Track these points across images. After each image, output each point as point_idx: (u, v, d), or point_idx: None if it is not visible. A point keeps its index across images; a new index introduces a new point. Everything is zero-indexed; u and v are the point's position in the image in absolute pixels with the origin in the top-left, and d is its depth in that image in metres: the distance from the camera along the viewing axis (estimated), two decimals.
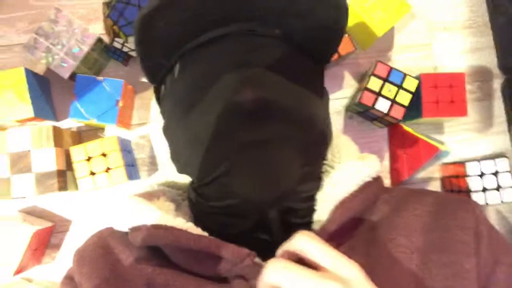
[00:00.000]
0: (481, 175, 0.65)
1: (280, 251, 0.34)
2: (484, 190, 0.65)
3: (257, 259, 0.36)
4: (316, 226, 0.39)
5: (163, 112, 0.50)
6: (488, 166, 0.65)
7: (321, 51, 0.47)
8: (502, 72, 0.74)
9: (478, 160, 0.66)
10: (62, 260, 0.63)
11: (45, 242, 0.62)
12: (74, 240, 0.63)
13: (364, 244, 0.40)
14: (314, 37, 0.44)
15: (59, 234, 0.64)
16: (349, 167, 0.42)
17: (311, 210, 0.40)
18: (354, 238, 0.41)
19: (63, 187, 0.57)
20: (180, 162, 0.46)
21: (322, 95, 0.47)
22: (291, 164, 0.38)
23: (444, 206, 0.42)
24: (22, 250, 0.57)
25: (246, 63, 0.39)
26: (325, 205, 0.39)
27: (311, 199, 0.41)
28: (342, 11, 0.42)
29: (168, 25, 0.40)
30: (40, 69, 0.66)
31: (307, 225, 0.40)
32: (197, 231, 0.38)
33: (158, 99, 0.52)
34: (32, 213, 0.63)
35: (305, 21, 0.42)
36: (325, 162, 0.44)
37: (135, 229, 0.39)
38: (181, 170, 0.46)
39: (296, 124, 0.39)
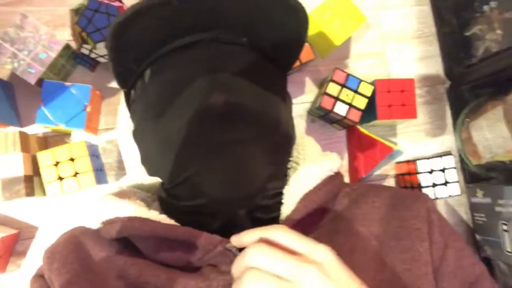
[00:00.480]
0: (431, 171, 0.71)
1: (253, 235, 0.36)
2: (434, 185, 0.71)
3: (229, 245, 0.38)
4: (282, 217, 0.42)
5: (132, 117, 0.51)
6: (436, 163, 0.71)
7: (284, 59, 0.51)
8: (448, 78, 0.82)
9: (428, 158, 0.72)
10: (28, 268, 0.63)
11: (9, 250, 0.62)
12: (41, 247, 0.63)
13: (327, 234, 0.44)
14: (278, 46, 0.48)
15: (25, 241, 0.63)
16: (313, 163, 0.45)
17: (279, 205, 0.43)
18: (318, 229, 0.44)
19: (30, 192, 0.57)
20: (151, 165, 0.47)
21: (285, 99, 0.50)
22: (259, 164, 0.41)
23: (400, 199, 0.46)
24: None
25: (216, 68, 0.42)
26: (291, 198, 0.43)
27: (279, 195, 0.44)
28: (304, 23, 0.46)
29: (141, 33, 0.42)
30: (4, 74, 0.65)
31: (274, 219, 0.43)
32: (171, 222, 0.40)
33: (128, 103, 0.53)
34: None
35: (271, 31, 0.46)
36: (291, 159, 0.48)
37: (109, 222, 0.41)
38: (151, 172, 0.48)
39: (263, 126, 0.42)
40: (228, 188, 0.39)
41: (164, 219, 0.40)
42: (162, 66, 0.45)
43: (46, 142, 0.65)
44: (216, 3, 0.41)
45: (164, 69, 0.45)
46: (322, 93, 0.68)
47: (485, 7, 0.77)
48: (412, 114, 0.70)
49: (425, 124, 0.79)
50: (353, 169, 0.74)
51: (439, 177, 0.71)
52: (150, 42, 0.44)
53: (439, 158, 0.72)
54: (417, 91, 0.78)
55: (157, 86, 0.44)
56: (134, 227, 0.39)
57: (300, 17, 0.44)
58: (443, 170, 0.72)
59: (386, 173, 0.77)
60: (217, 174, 0.39)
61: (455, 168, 0.72)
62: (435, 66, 0.82)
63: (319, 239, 0.42)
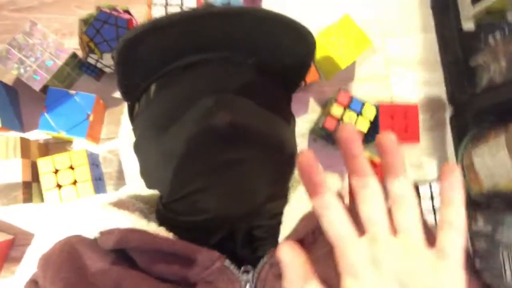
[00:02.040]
0: (431, 196, 0.71)
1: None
2: (434, 210, 0.70)
3: (227, 262, 0.37)
4: (281, 236, 0.42)
5: (135, 129, 0.51)
6: (437, 189, 0.71)
7: (290, 80, 0.51)
8: (450, 104, 0.82)
9: (429, 183, 0.72)
10: (23, 275, 0.61)
11: (4, 256, 0.61)
12: (36, 254, 0.62)
13: (325, 256, 0.43)
14: (284, 68, 0.48)
15: (20, 247, 0.62)
16: None
17: (278, 224, 0.43)
18: (316, 250, 0.43)
19: (27, 199, 0.56)
20: (150, 178, 0.47)
21: (290, 120, 0.51)
22: (261, 183, 0.41)
23: None
24: None
25: (222, 88, 0.42)
26: (291, 218, 0.42)
27: (279, 215, 0.43)
28: (311, 47, 0.46)
29: (149, 50, 0.42)
30: (9, 79, 0.66)
31: (272, 237, 0.43)
32: (169, 235, 0.39)
33: (131, 116, 0.53)
34: None
35: (278, 54, 0.46)
36: (291, 177, 0.47)
37: (107, 232, 0.40)
38: (150, 185, 0.48)
39: (267, 146, 0.42)
40: (230, 205, 0.39)
41: (162, 232, 0.40)
42: (169, 82, 0.45)
43: (47, 148, 0.65)
44: (224, 26, 0.42)
45: (170, 86, 0.45)
46: (326, 114, 0.69)
47: (490, 39, 0.78)
48: (415, 139, 0.70)
49: (427, 149, 0.79)
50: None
51: (439, 203, 0.71)
52: (157, 59, 0.44)
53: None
54: (421, 116, 0.78)
55: (162, 102, 0.45)
56: (133, 239, 0.38)
57: (308, 42, 0.45)
58: None
59: None
60: (219, 192, 0.39)
61: None
62: (439, 92, 0.82)
63: (317, 261, 0.42)
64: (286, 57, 0.47)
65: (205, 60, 0.44)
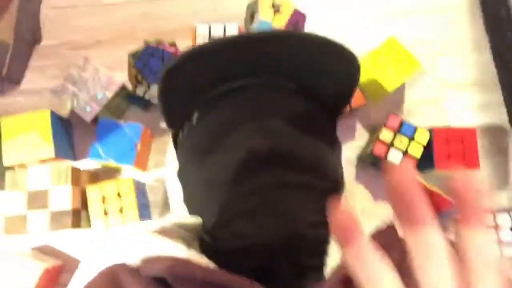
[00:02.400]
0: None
1: None
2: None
3: None
4: (328, 270, 0.39)
5: (179, 157, 0.52)
6: (505, 220, 0.64)
7: (334, 105, 0.49)
8: None
9: (508, 211, 0.65)
10: None
11: (55, 281, 0.62)
12: (81, 280, 0.63)
13: None
14: (328, 93, 0.47)
15: (68, 274, 0.63)
16: (363, 211, 0.42)
17: (323, 254, 0.41)
18: None
19: (76, 225, 0.58)
20: (193, 205, 0.47)
21: (334, 145, 0.49)
22: (302, 209, 0.39)
23: None
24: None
25: (263, 113, 0.42)
26: (337, 250, 0.40)
27: (324, 243, 0.41)
28: (356, 71, 0.45)
29: (190, 78, 0.43)
30: (65, 111, 0.70)
31: (318, 268, 0.40)
32: (210, 264, 0.38)
33: (175, 144, 0.54)
34: (45, 251, 0.64)
35: (321, 78, 0.45)
36: None
37: (148, 260, 0.40)
38: (193, 212, 0.47)
39: (309, 172, 0.41)
40: (269, 230, 0.38)
41: (204, 261, 0.39)
42: (210, 109, 0.45)
43: (96, 177, 0.67)
44: (267, 49, 0.41)
45: (211, 112, 0.45)
46: (375, 139, 0.65)
47: None
48: (474, 166, 0.64)
49: (487, 178, 0.73)
50: None
51: (509, 235, 0.64)
52: (198, 86, 0.45)
53: (506, 214, 0.65)
54: (479, 141, 0.72)
55: (204, 128, 0.45)
56: (174, 267, 0.38)
57: (354, 67, 0.44)
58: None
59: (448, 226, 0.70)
60: (260, 218, 0.38)
61: None
62: (498, 116, 0.76)
63: None
64: (329, 81, 0.46)
65: (246, 85, 0.44)
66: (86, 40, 0.75)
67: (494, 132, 0.75)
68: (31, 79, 0.72)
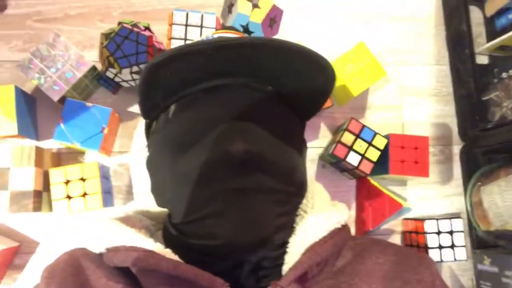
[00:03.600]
0: (438, 232, 0.70)
1: None
2: (440, 247, 0.70)
3: None
4: (285, 267, 0.42)
5: (149, 146, 0.52)
6: (445, 225, 0.70)
7: (307, 109, 0.52)
8: (462, 139, 0.82)
9: (436, 218, 0.71)
10: (23, 283, 0.62)
11: (7, 262, 0.61)
12: (38, 263, 0.62)
13: None
14: (303, 97, 0.49)
15: (23, 255, 0.62)
16: (321, 213, 0.45)
17: (282, 254, 0.43)
18: (318, 283, 0.43)
19: (37, 207, 0.57)
20: (162, 196, 0.48)
21: (302, 149, 0.51)
22: (272, 214, 0.41)
23: (405, 259, 0.45)
24: None
25: (240, 115, 0.43)
26: (296, 248, 0.42)
27: (284, 245, 0.43)
28: (331, 80, 0.47)
29: (173, 74, 0.43)
30: (29, 87, 0.67)
31: (276, 267, 0.42)
32: (175, 257, 0.39)
33: (148, 133, 0.54)
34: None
35: (298, 83, 0.47)
36: (299, 206, 0.47)
37: (113, 250, 0.40)
38: (161, 204, 0.48)
39: (279, 177, 0.43)
40: (241, 233, 0.39)
41: (169, 253, 0.40)
42: (188, 104, 0.46)
43: (59, 158, 0.66)
44: (249, 56, 0.43)
45: (189, 107, 0.46)
46: (337, 141, 0.69)
47: (504, 74, 0.78)
48: (424, 173, 0.70)
49: (436, 183, 0.79)
50: (360, 221, 0.73)
51: (446, 239, 0.70)
52: (180, 82, 0.45)
53: (447, 220, 0.71)
54: (430, 149, 0.78)
55: (181, 123, 0.45)
56: (139, 259, 0.39)
57: (328, 74, 0.45)
58: (450, 233, 0.70)
59: (393, 228, 0.76)
60: (232, 219, 0.39)
61: (463, 231, 0.71)
62: (450, 126, 0.82)
63: None
64: (305, 87, 0.48)
65: (225, 85, 0.45)
66: (55, 12, 0.71)
67: (444, 141, 0.81)
68: None
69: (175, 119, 0.46)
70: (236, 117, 0.43)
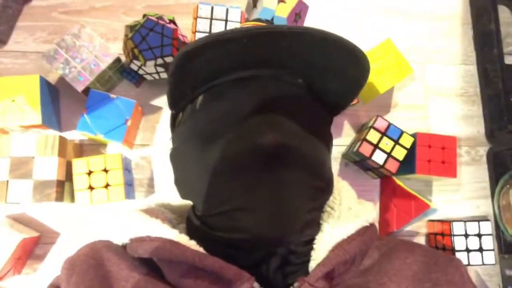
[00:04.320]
0: (466, 235, 0.68)
1: None
2: (468, 250, 0.68)
3: (256, 285, 0.37)
4: (312, 263, 0.40)
5: (175, 138, 0.51)
6: (473, 228, 0.68)
7: (337, 104, 0.50)
8: (489, 141, 0.79)
9: (464, 220, 0.69)
10: (43, 273, 0.61)
11: (29, 252, 0.61)
12: (59, 254, 0.62)
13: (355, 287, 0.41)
14: (334, 91, 0.47)
15: (44, 245, 0.62)
16: (349, 210, 0.44)
17: (309, 251, 0.42)
18: (345, 282, 0.42)
19: (59, 197, 0.56)
20: (187, 188, 0.47)
21: (329, 145, 0.50)
22: (301, 209, 0.40)
23: (434, 260, 0.44)
24: (6, 257, 0.55)
25: (270, 106, 0.42)
26: (323, 245, 0.41)
27: (311, 242, 0.42)
28: (365, 73, 0.45)
29: (204, 63, 0.42)
30: (52, 78, 0.67)
31: (303, 264, 0.41)
32: (200, 249, 0.38)
33: (173, 125, 0.53)
34: (20, 220, 0.62)
35: (331, 77, 0.46)
36: (327, 202, 0.46)
37: (137, 240, 0.40)
38: (185, 196, 0.47)
39: (309, 171, 0.42)
40: (270, 227, 0.38)
41: (194, 245, 0.39)
42: (216, 95, 0.45)
43: (81, 149, 0.66)
44: (284, 45, 0.41)
45: (217, 98, 0.45)
46: (362, 138, 0.67)
47: None
48: (451, 173, 0.68)
49: (462, 185, 0.77)
50: (384, 222, 0.71)
51: (474, 243, 0.68)
52: (210, 72, 0.44)
53: (475, 222, 0.69)
54: (457, 150, 0.75)
55: (208, 114, 0.44)
56: (164, 249, 0.38)
57: (363, 67, 0.44)
58: (479, 236, 0.68)
59: (417, 230, 0.74)
60: (260, 213, 0.38)
61: (491, 235, 0.68)
62: (477, 127, 0.80)
63: None
64: (338, 80, 0.46)
65: (255, 76, 0.44)
66: (80, 4, 0.71)
67: (472, 142, 0.79)
68: (18, 40, 0.69)
69: (202, 110, 0.45)
70: (266, 109, 0.42)
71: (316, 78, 0.46)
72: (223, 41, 0.39)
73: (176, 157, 0.49)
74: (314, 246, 0.42)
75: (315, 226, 0.44)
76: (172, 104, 0.49)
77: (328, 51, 0.42)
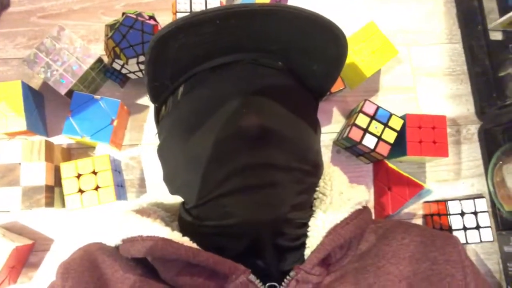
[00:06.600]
0: (462, 214, 0.68)
1: None
2: (465, 228, 0.67)
3: (251, 276, 0.36)
4: (307, 251, 0.40)
5: (160, 133, 0.51)
6: (468, 206, 0.68)
7: (319, 87, 0.50)
8: (479, 118, 0.79)
9: (459, 199, 0.69)
10: (40, 281, 0.61)
11: (23, 260, 0.60)
12: (54, 261, 0.61)
13: (353, 272, 0.41)
14: (315, 73, 0.47)
15: (39, 252, 0.61)
16: (341, 195, 0.43)
17: (303, 235, 0.41)
18: (343, 267, 0.41)
19: (49, 203, 0.56)
20: (176, 182, 0.46)
21: (316, 127, 0.49)
22: (288, 191, 0.40)
23: (431, 239, 0.43)
24: None
25: (251, 90, 0.41)
26: (317, 231, 0.41)
27: (304, 225, 0.42)
28: (344, 51, 0.45)
29: (180, 48, 0.41)
30: (35, 84, 0.66)
31: (298, 249, 0.41)
32: (193, 245, 0.38)
33: (157, 119, 0.53)
34: (12, 228, 0.61)
35: (310, 57, 0.45)
36: (317, 189, 0.46)
37: (129, 240, 0.39)
38: (174, 191, 0.47)
39: (294, 154, 0.41)
40: (257, 210, 0.38)
41: (187, 241, 0.39)
42: (197, 83, 0.44)
43: (69, 153, 0.65)
44: (259, 25, 0.41)
45: (198, 87, 0.44)
46: (351, 124, 0.67)
47: None
48: (443, 153, 0.67)
49: (455, 165, 0.77)
50: (379, 206, 0.71)
51: (470, 220, 0.68)
52: (188, 59, 0.43)
53: (470, 200, 0.68)
54: (447, 130, 0.75)
55: (190, 103, 0.44)
56: (157, 248, 0.37)
57: (341, 45, 0.43)
58: (475, 213, 0.68)
59: (414, 212, 0.73)
60: (247, 197, 0.38)
61: (487, 211, 0.68)
62: (466, 105, 0.80)
63: (344, 277, 0.40)
64: (316, 60, 0.46)
65: (234, 61, 0.43)
66: (58, 7, 0.71)
67: (462, 121, 0.79)
68: None
69: (184, 100, 0.45)
70: (247, 92, 0.41)
71: (296, 60, 0.45)
72: (195, 22, 0.38)
73: (162, 151, 0.49)
74: (308, 233, 0.41)
75: (305, 210, 0.43)
76: (153, 97, 0.49)
77: (304, 30, 0.41)
